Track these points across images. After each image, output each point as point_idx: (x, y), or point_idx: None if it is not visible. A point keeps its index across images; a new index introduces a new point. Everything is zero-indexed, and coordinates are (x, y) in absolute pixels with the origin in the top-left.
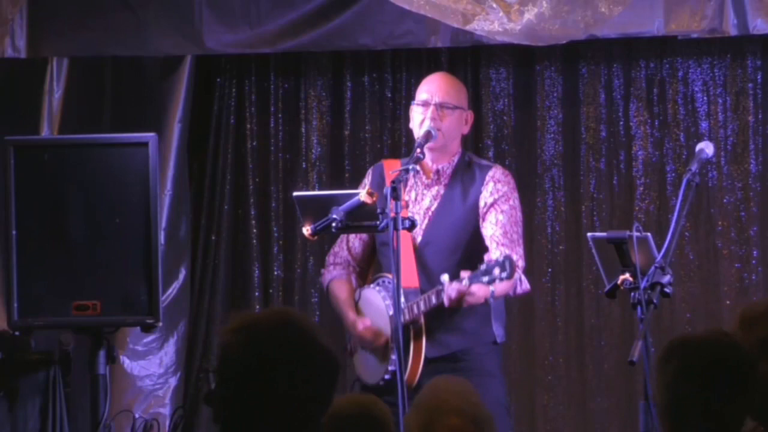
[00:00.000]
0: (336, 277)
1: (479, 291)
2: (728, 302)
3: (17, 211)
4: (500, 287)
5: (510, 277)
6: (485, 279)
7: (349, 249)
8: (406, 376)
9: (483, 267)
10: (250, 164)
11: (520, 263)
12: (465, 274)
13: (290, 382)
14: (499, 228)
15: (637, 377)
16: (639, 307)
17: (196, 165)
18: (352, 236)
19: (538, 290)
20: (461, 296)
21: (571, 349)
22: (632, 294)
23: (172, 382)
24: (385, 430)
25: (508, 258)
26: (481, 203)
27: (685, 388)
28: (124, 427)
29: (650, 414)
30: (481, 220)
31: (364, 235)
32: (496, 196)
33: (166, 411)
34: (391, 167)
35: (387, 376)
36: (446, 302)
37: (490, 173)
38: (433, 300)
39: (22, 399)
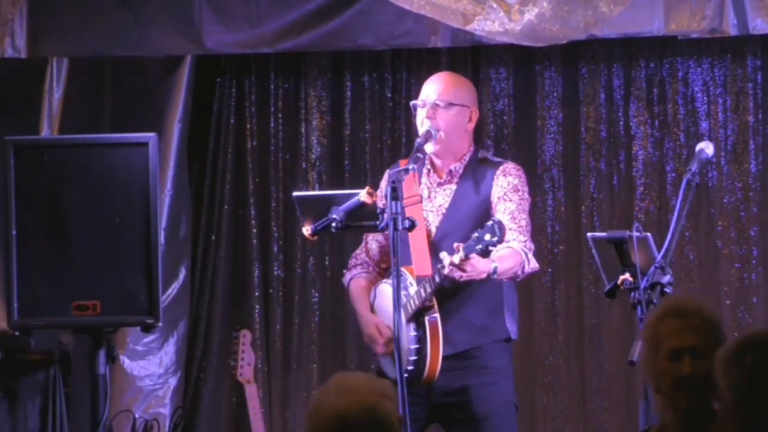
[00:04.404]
0: (354, 276)
1: (479, 263)
2: (728, 302)
3: (17, 211)
4: (503, 264)
5: (500, 240)
6: (479, 247)
7: (367, 251)
8: (426, 370)
9: (475, 235)
10: (250, 164)
11: (528, 244)
12: (459, 246)
13: None
14: (507, 215)
15: (637, 377)
16: (639, 307)
17: (196, 165)
18: (370, 238)
19: (538, 290)
20: (461, 265)
21: (571, 349)
22: (632, 294)
23: (172, 382)
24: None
25: (497, 223)
26: (493, 197)
27: (765, 384)
28: (124, 427)
29: (650, 414)
30: (492, 212)
31: (380, 237)
32: (506, 188)
33: (166, 411)
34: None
35: (409, 367)
36: (447, 271)
37: (501, 168)
38: (437, 279)
39: (22, 399)
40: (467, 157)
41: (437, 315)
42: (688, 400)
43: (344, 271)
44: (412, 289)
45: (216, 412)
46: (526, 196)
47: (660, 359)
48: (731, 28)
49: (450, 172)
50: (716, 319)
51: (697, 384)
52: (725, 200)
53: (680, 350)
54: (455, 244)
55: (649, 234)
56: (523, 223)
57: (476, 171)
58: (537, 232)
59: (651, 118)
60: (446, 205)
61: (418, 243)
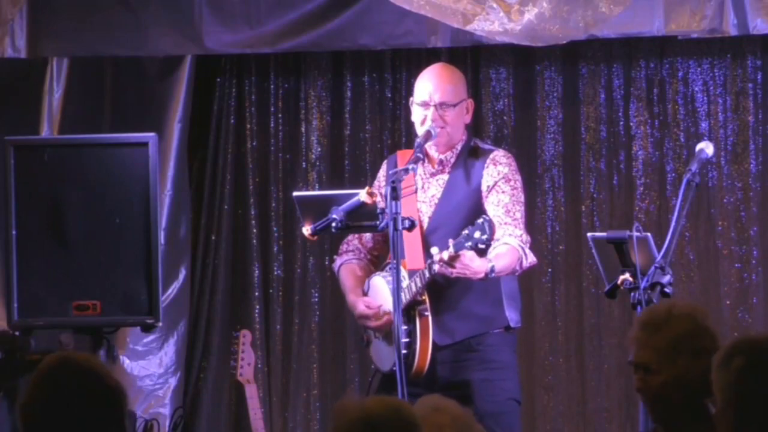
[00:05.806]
0: (345, 261)
1: (473, 262)
2: (728, 302)
3: (17, 211)
4: (500, 262)
5: (490, 239)
6: (468, 244)
7: (359, 237)
8: (415, 365)
9: (465, 232)
10: (250, 164)
11: (524, 238)
12: (450, 242)
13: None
14: (501, 208)
15: None
16: (639, 307)
17: (196, 165)
18: None
19: (538, 290)
20: (451, 261)
21: (571, 349)
22: (632, 294)
23: (172, 382)
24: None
25: (487, 221)
26: (483, 186)
27: (751, 387)
28: None
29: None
30: (483, 201)
31: None
32: (497, 178)
33: (166, 411)
34: (405, 157)
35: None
36: (437, 268)
37: (491, 156)
38: (427, 274)
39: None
40: (459, 146)
41: (428, 310)
42: (650, 411)
43: (335, 257)
44: (405, 283)
45: (216, 412)
46: (519, 185)
47: None
48: (731, 28)
49: (442, 161)
50: (690, 333)
51: (648, 399)
52: (725, 200)
53: (635, 365)
54: (449, 240)
55: (649, 234)
56: (518, 215)
57: (467, 160)
58: (537, 232)
59: (651, 118)
60: (439, 196)
61: (411, 235)
